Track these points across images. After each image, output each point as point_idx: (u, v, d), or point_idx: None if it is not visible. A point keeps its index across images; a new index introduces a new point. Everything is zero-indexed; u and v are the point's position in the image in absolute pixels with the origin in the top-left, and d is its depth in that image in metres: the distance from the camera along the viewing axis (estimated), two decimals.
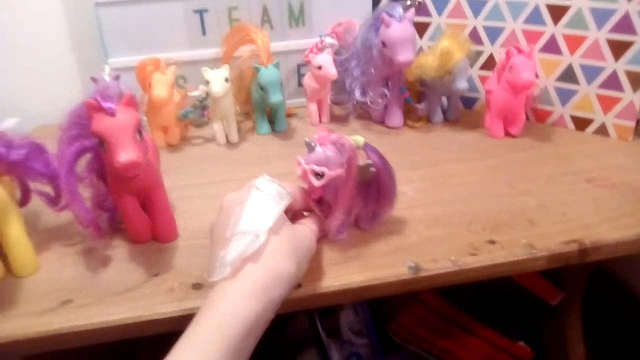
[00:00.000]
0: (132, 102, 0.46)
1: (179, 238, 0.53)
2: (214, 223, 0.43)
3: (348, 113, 0.80)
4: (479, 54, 0.77)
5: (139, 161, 0.43)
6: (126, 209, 0.50)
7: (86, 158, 0.49)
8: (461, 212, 0.55)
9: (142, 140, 0.46)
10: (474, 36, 0.77)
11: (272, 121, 0.79)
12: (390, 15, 0.67)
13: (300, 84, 0.85)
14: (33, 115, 0.84)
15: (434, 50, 0.70)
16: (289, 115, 0.82)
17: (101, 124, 0.44)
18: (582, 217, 0.53)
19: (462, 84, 0.70)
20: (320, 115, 0.80)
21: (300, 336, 0.81)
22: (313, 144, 0.46)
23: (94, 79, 0.68)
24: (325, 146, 0.45)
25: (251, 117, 0.80)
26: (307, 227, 0.46)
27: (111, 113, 0.44)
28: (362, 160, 0.47)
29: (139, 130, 0.45)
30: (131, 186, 0.48)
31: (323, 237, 0.49)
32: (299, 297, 0.45)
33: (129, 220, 0.52)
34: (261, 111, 0.77)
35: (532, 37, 0.72)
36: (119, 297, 0.46)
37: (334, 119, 0.81)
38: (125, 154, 0.42)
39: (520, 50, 0.66)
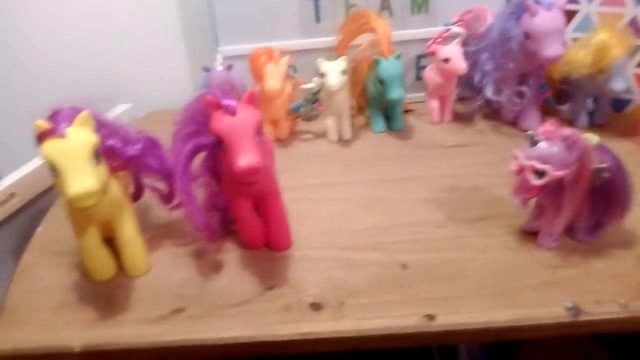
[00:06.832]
0: (253, 100, 0.42)
1: (293, 247, 0.49)
2: None
3: (473, 112, 0.71)
4: (637, 49, 0.65)
5: (260, 166, 0.38)
6: (241, 213, 0.47)
7: (201, 156, 0.46)
8: (626, 241, 0.45)
9: (263, 142, 0.41)
10: (633, 28, 0.65)
11: (387, 117, 0.72)
12: (537, 2, 0.58)
13: (418, 77, 0.78)
14: (143, 101, 0.84)
15: (587, 44, 0.60)
16: (406, 112, 0.75)
17: (221, 123, 0.40)
18: None
19: (619, 85, 0.59)
20: (442, 113, 0.72)
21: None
22: (537, 138, 0.40)
23: (206, 69, 0.66)
24: (551, 141, 0.40)
25: (364, 112, 0.74)
26: None
27: (232, 112, 0.40)
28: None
29: (259, 131, 0.41)
30: (248, 191, 0.45)
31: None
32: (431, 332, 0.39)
33: (244, 226, 0.48)
34: (377, 107, 0.71)
35: None
36: (232, 310, 0.42)
37: (457, 117, 0.73)
38: (245, 158, 0.38)
39: None
